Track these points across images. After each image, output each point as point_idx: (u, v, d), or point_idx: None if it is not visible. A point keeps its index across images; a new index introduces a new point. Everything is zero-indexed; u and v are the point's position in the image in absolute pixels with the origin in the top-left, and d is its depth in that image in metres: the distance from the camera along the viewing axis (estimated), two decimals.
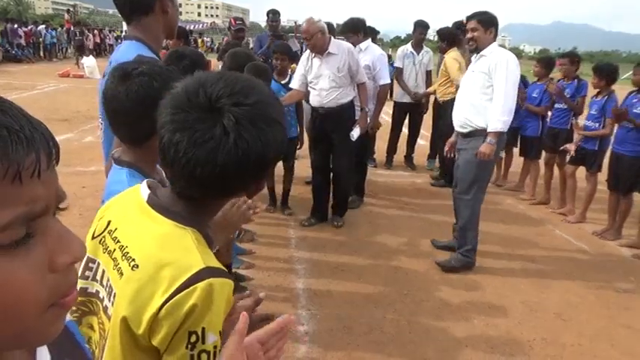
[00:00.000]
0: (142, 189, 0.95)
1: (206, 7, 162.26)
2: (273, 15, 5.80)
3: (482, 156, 3.46)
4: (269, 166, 0.91)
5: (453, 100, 5.67)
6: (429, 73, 6.34)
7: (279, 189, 4.75)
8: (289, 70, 4.56)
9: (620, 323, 3.17)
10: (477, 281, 3.60)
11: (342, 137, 4.21)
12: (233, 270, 3.38)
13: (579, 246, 4.41)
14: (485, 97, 3.50)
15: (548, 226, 4.86)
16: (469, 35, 3.56)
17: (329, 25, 5.47)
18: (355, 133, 4.19)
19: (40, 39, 21.02)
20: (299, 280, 3.50)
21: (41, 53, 21.15)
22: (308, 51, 4.20)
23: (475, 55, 3.65)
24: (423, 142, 7.07)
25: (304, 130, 4.69)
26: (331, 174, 4.51)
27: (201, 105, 0.82)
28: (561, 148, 5.02)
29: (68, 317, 0.60)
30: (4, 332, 0.44)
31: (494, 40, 3.59)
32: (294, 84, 4.27)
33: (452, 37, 5.85)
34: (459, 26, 6.27)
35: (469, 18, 3.61)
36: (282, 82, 4.46)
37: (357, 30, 5.00)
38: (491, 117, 3.44)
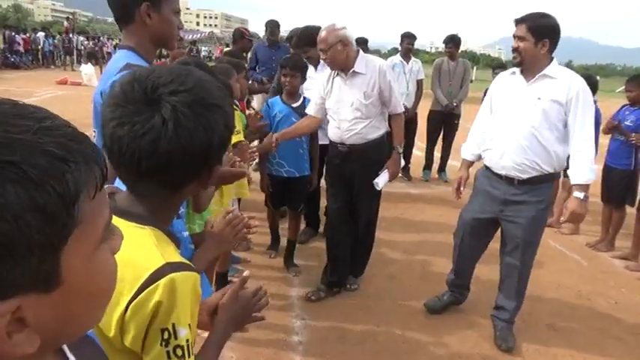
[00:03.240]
0: None
1: (205, 17, 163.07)
2: (273, 27, 5.75)
3: (575, 218, 2.77)
4: (217, 152, 0.90)
5: None
6: (420, 82, 6.39)
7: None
8: (301, 91, 3.68)
9: (612, 334, 3.20)
10: (469, 292, 3.61)
11: (367, 184, 3.18)
12: (229, 278, 3.39)
13: (572, 257, 4.44)
14: (557, 134, 2.67)
15: (543, 236, 4.88)
16: (514, 44, 2.70)
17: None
18: (381, 180, 3.16)
19: (39, 46, 21.11)
20: (293, 288, 3.51)
21: (39, 60, 21.22)
22: (328, 68, 3.23)
23: (518, 71, 2.76)
24: (419, 152, 7.12)
25: (317, 168, 3.85)
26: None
27: (138, 98, 0.83)
28: None
29: None
30: (92, 315, 0.53)
31: (551, 56, 2.69)
32: (310, 109, 3.35)
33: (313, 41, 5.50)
34: (451, 40, 6.38)
35: (518, 21, 2.70)
36: (294, 104, 3.54)
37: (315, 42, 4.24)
38: (582, 165, 2.63)
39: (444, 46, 6.57)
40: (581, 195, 2.67)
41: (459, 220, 3.14)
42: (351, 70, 3.08)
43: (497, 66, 6.90)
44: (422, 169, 6.79)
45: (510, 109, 2.78)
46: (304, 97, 3.61)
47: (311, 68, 3.96)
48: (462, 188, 3.07)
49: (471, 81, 7.93)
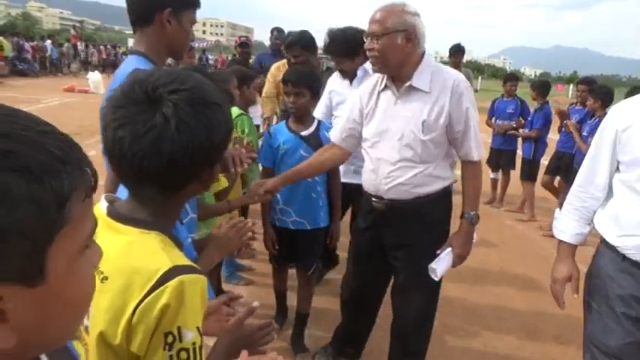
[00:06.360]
0: (101, 204, 0.94)
1: (211, 26, 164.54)
2: (278, 33, 5.58)
3: None
4: (218, 151, 0.90)
5: None
6: None
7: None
8: (311, 113, 2.72)
9: None
10: (475, 303, 3.59)
11: (415, 267, 2.08)
12: (233, 285, 3.38)
13: (580, 268, 4.39)
14: None
15: (548, 247, 4.85)
16: None
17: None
18: (440, 266, 2.03)
19: (47, 54, 21.36)
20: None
21: (47, 68, 21.44)
22: (375, 76, 2.13)
23: None
24: None
25: (339, 217, 2.84)
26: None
27: (139, 99, 0.83)
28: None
29: None
30: (69, 325, 0.53)
31: None
32: (334, 134, 2.28)
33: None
34: (457, 49, 6.41)
35: None
36: (303, 132, 2.58)
37: (355, 51, 2.93)
38: None
39: (449, 55, 6.59)
40: None
41: (591, 348, 1.84)
42: (407, 84, 1.97)
43: (511, 78, 6.30)
44: None
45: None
46: (319, 122, 2.66)
47: (343, 83, 3.12)
48: (575, 295, 1.92)
49: (476, 90, 7.94)
